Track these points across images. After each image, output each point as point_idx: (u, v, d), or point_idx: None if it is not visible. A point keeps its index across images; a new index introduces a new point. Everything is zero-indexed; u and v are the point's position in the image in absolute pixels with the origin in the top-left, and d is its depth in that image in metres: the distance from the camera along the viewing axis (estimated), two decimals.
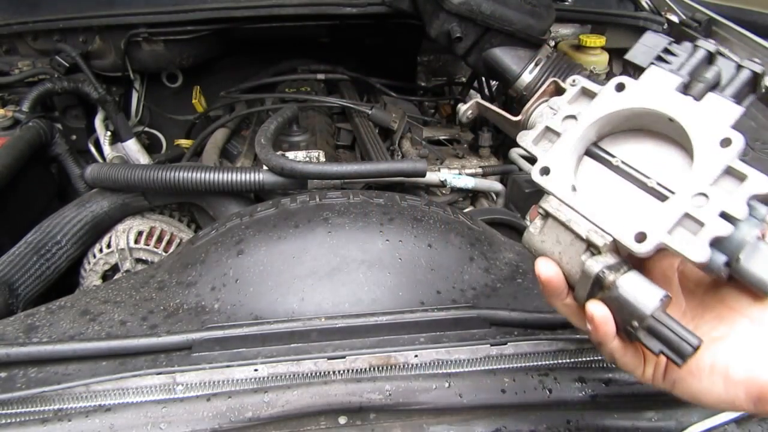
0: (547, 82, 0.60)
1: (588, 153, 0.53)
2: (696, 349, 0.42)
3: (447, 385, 0.64)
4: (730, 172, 0.44)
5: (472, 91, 1.90)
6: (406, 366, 0.66)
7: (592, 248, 0.47)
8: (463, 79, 1.99)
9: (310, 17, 1.64)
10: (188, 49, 1.70)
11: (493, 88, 1.89)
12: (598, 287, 0.46)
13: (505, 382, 0.64)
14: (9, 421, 0.61)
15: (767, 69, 0.52)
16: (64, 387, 0.62)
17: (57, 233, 1.12)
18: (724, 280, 0.46)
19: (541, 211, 0.50)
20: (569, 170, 0.50)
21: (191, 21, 1.59)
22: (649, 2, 1.80)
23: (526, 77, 1.35)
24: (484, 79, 1.85)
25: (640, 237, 0.44)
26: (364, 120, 1.51)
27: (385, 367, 0.66)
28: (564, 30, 1.84)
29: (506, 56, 1.36)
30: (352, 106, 1.55)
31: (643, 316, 0.44)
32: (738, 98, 0.49)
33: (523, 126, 0.60)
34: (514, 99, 1.44)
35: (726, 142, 0.45)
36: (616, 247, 0.46)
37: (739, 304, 0.46)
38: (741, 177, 0.44)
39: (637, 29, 1.78)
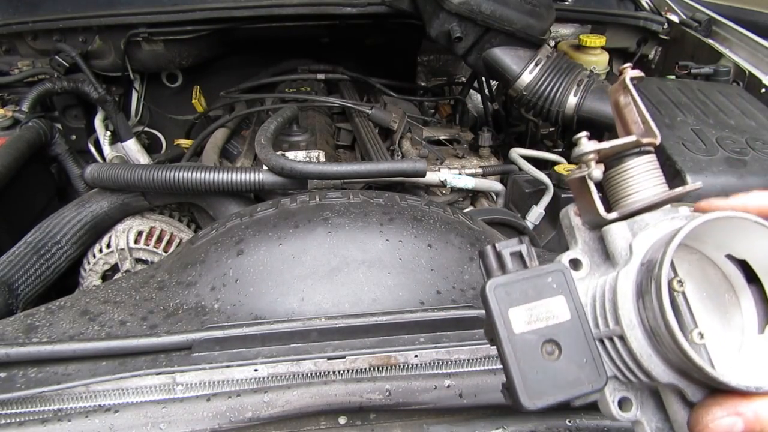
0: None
1: None
2: None
3: (447, 385, 0.64)
4: None
5: (472, 91, 1.91)
6: (406, 366, 0.66)
7: None
8: (463, 79, 1.99)
9: (310, 17, 1.64)
10: (188, 49, 1.70)
11: (494, 88, 1.89)
12: None
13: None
14: (9, 421, 0.61)
15: None
16: (64, 387, 0.62)
17: (57, 233, 1.11)
18: None
19: None
20: None
21: (191, 21, 1.59)
22: (649, 2, 1.80)
23: (526, 77, 1.35)
24: (484, 79, 1.85)
25: None
26: (364, 120, 1.51)
27: (385, 367, 0.66)
28: (564, 30, 1.84)
29: (506, 56, 1.36)
30: (352, 106, 1.55)
31: None
32: None
33: None
34: (513, 99, 1.44)
35: None
36: None
37: None
38: None
39: (637, 29, 1.78)
